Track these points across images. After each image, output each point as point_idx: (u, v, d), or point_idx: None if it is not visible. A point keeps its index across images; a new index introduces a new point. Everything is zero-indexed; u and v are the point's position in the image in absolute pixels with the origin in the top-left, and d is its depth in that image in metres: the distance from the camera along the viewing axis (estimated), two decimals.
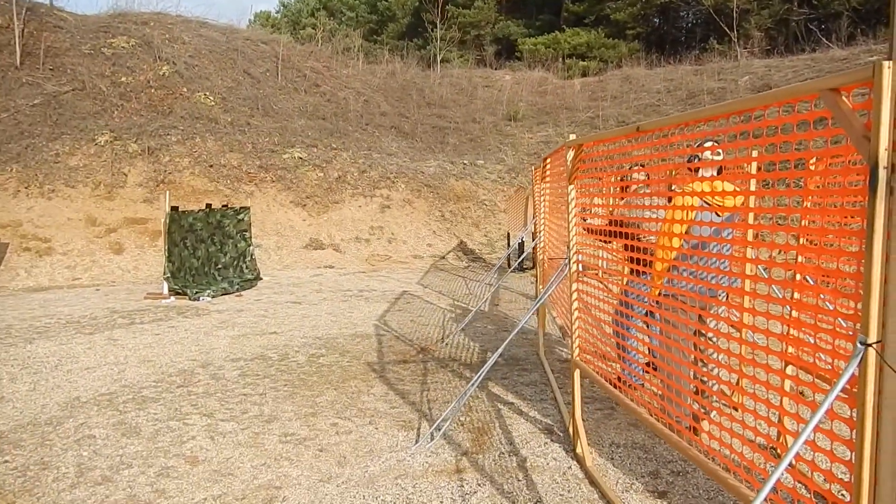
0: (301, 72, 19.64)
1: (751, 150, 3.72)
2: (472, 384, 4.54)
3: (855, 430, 1.69)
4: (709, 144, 3.81)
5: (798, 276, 3.19)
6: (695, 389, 2.90)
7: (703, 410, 3.04)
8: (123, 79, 15.41)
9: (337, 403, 4.89)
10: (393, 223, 16.20)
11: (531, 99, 23.02)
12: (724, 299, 3.67)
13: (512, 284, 11.82)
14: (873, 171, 1.60)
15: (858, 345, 1.65)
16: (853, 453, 1.71)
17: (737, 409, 3.77)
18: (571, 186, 4.01)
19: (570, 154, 3.90)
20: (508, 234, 14.87)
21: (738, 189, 3.74)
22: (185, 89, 16.01)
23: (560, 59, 26.67)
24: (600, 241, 3.88)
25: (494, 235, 16.93)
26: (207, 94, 16.29)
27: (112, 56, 15.86)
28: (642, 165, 4.19)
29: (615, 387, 3.46)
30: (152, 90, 15.54)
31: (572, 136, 4.00)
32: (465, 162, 19.07)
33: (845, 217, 1.84)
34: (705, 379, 2.98)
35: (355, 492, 3.41)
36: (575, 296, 4.03)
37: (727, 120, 2.31)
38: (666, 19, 29.45)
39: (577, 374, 4.00)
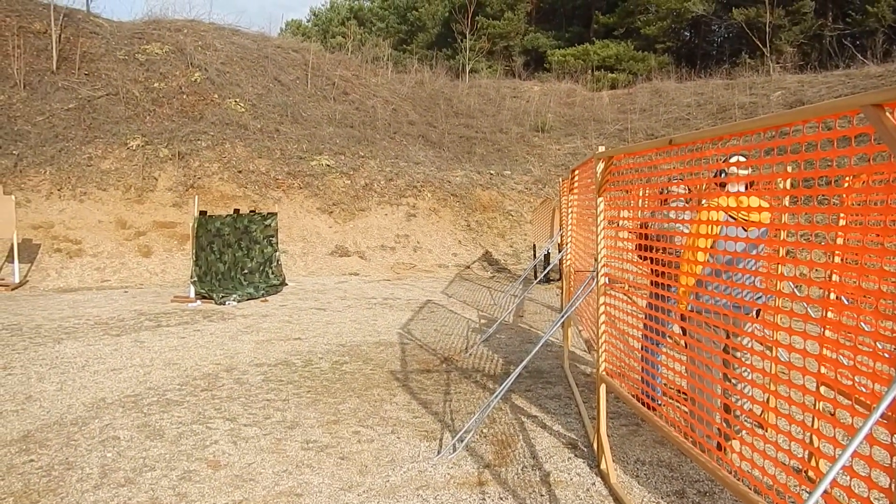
0: (330, 80, 19.84)
1: (785, 166, 3.65)
2: (496, 396, 4.50)
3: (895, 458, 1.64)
4: (735, 159, 3.75)
5: (834, 296, 3.11)
6: (724, 408, 2.84)
7: (734, 429, 2.98)
8: (156, 84, 15.71)
9: (359, 411, 4.88)
10: (419, 232, 16.23)
11: (559, 110, 22.96)
12: (756, 317, 3.59)
13: (537, 296, 11.75)
14: None
15: None
16: (892, 481, 1.65)
17: (767, 430, 3.68)
18: (601, 199, 3.97)
19: (600, 166, 3.87)
20: (534, 245, 14.79)
21: (765, 205, 3.68)
22: (216, 95, 16.26)
23: (589, 71, 26.57)
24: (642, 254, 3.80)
25: (520, 246, 16.87)
26: (238, 100, 16.53)
27: (146, 62, 16.19)
28: (682, 178, 4.13)
29: (642, 403, 3.41)
30: (184, 96, 15.82)
31: (602, 149, 3.96)
32: (491, 172, 19.06)
33: (888, 236, 1.79)
34: (736, 397, 2.92)
35: (376, 501, 3.39)
36: (602, 309, 3.98)
37: (762, 134, 2.26)
38: (697, 33, 29.20)
39: (602, 388, 3.94)
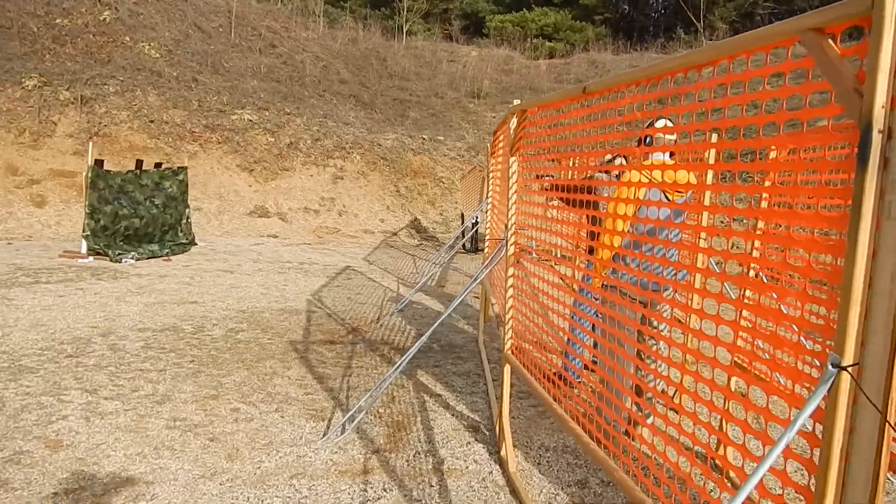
0: (256, 30, 18.69)
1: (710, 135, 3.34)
2: (394, 371, 4.11)
3: (818, 458, 1.32)
4: (661, 123, 3.42)
5: (753, 273, 2.83)
6: (635, 389, 2.53)
7: (644, 414, 2.68)
8: (58, 21, 14.29)
9: (245, 385, 4.40)
10: (345, 195, 15.60)
11: (496, 77, 22.52)
12: (670, 296, 3.31)
13: (463, 266, 11.43)
14: (864, 135, 1.19)
15: (830, 366, 1.26)
16: (813, 479, 1.33)
17: (681, 417, 3.43)
18: (514, 158, 3.57)
19: (514, 122, 3.46)
20: (462, 213, 14.44)
21: (686, 173, 3.38)
22: (127, 38, 14.97)
23: (527, 39, 26.17)
24: (565, 203, 3.40)
25: (451, 214, 16.49)
26: (152, 44, 15.29)
27: None
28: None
29: (552, 382, 3.07)
30: (91, 36, 14.47)
31: (516, 101, 3.55)
32: (424, 137, 18.50)
33: (822, 197, 1.45)
34: (650, 377, 2.62)
35: (239, 492, 2.95)
36: (510, 282, 3.62)
37: (685, 77, 1.90)
38: (635, 6, 29.19)
39: (507, 369, 3.60)
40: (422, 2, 29.57)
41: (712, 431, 1.88)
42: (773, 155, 3.10)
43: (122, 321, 5.79)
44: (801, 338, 1.41)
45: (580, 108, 2.70)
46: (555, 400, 2.93)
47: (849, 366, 1.24)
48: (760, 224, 2.98)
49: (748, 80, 1.57)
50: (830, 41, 1.30)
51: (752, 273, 2.97)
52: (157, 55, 15.18)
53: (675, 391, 2.29)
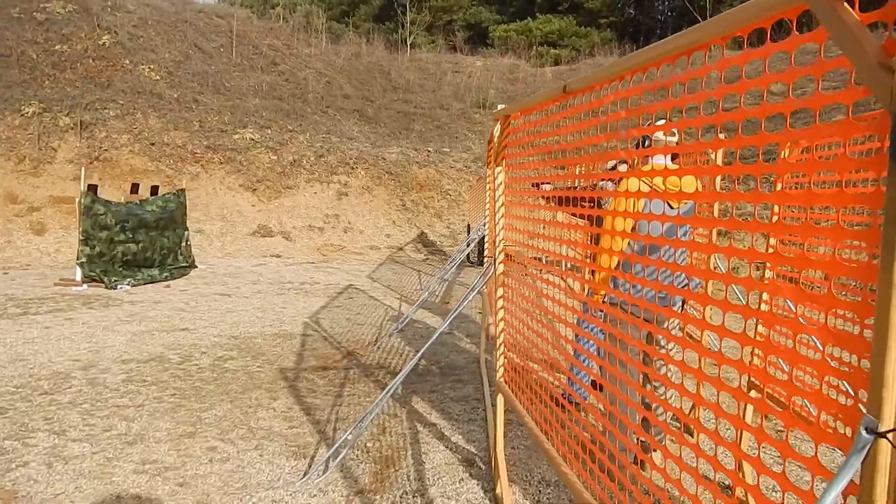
0: (258, 48, 18.61)
1: (717, 132, 3.03)
2: (378, 403, 3.82)
3: None
4: (662, 122, 3.11)
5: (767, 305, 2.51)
6: (642, 421, 2.21)
7: (649, 454, 2.36)
8: (57, 47, 14.27)
9: (225, 420, 4.13)
10: (350, 211, 15.38)
11: (501, 86, 22.29)
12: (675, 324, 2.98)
13: (469, 280, 11.13)
14: None
15: (863, 432, 0.95)
16: None
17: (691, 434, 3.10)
18: (499, 168, 3.28)
19: (497, 129, 3.18)
20: (469, 226, 14.15)
21: (690, 178, 3.07)
22: (127, 61, 14.93)
23: (532, 47, 25.96)
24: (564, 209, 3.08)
25: (458, 227, 16.21)
26: (152, 66, 15.23)
27: (45, 21, 14.69)
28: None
29: (557, 405, 2.75)
30: (90, 60, 14.43)
31: (500, 107, 3.26)
32: (429, 149, 18.28)
33: (842, 204, 1.14)
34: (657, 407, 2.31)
35: None
36: (500, 303, 3.32)
37: (671, 67, 1.60)
38: (640, 9, 28.90)
39: (500, 399, 3.29)
40: (425, 14, 29.53)
41: (739, 482, 1.55)
42: (783, 154, 2.78)
43: (107, 352, 5.55)
44: (835, 379, 1.10)
45: (566, 110, 2.41)
46: (549, 436, 2.61)
47: (888, 432, 0.93)
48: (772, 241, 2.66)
49: (745, 64, 1.28)
50: (846, 5, 1.00)
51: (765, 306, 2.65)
52: (158, 77, 15.11)
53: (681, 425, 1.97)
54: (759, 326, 2.39)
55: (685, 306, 3.59)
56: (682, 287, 2.61)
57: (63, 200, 11.75)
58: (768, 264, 2.74)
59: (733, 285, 1.34)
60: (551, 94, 2.39)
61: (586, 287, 3.62)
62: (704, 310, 3.89)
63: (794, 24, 1.18)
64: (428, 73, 22.84)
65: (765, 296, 2.56)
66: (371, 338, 6.51)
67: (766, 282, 2.70)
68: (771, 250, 2.49)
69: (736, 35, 1.31)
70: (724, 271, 1.43)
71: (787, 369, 1.21)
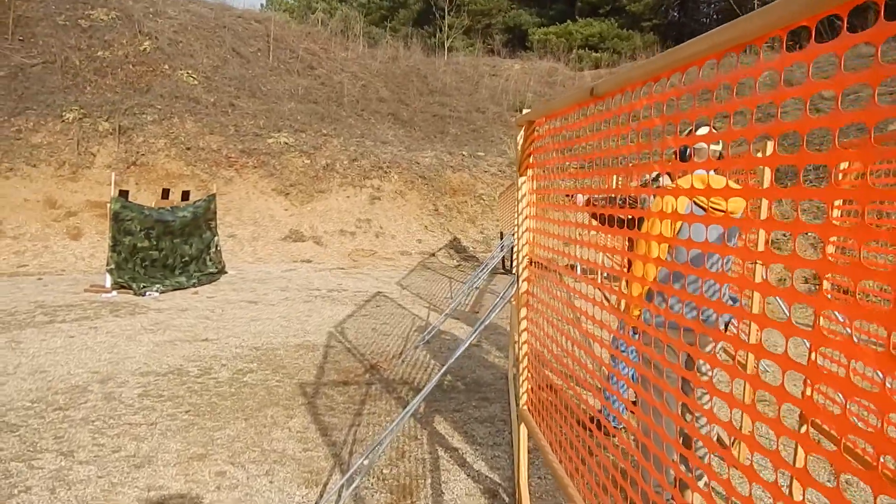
0: (295, 52, 18.67)
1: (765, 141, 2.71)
2: (398, 422, 3.57)
3: None
4: (703, 131, 2.80)
5: (822, 320, 2.19)
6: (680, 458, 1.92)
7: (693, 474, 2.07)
8: (100, 53, 14.50)
9: (238, 441, 3.94)
10: (382, 216, 15.24)
11: (539, 90, 21.93)
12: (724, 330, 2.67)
13: (500, 288, 10.83)
14: None
15: None
16: None
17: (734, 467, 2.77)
18: (523, 178, 3.02)
19: (521, 136, 2.91)
20: (501, 233, 13.86)
21: (736, 187, 2.74)
22: (166, 66, 15.08)
23: (572, 50, 25.51)
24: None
25: (492, 233, 15.92)
26: (190, 72, 15.36)
27: (89, 28, 14.94)
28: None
29: (586, 429, 2.47)
30: (130, 66, 14.62)
31: (526, 111, 2.99)
32: (464, 153, 18.05)
33: None
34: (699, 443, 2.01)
35: None
36: (524, 325, 3.05)
37: (715, 69, 1.33)
38: (684, 11, 28.18)
39: (522, 429, 3.02)
40: (463, 18, 29.35)
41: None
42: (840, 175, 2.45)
43: (126, 364, 5.44)
44: None
45: (596, 114, 2.14)
46: (571, 475, 2.33)
47: None
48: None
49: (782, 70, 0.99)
50: None
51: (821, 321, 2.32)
52: (196, 82, 15.23)
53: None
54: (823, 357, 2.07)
55: (728, 328, 3.27)
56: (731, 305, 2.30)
57: (99, 205, 11.87)
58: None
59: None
60: (578, 97, 2.12)
61: (622, 301, 3.33)
62: (756, 331, 3.56)
63: (844, 22, 0.90)
64: (465, 76, 22.63)
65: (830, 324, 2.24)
66: (396, 350, 6.29)
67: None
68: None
69: (801, 24, 1.03)
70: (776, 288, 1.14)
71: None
